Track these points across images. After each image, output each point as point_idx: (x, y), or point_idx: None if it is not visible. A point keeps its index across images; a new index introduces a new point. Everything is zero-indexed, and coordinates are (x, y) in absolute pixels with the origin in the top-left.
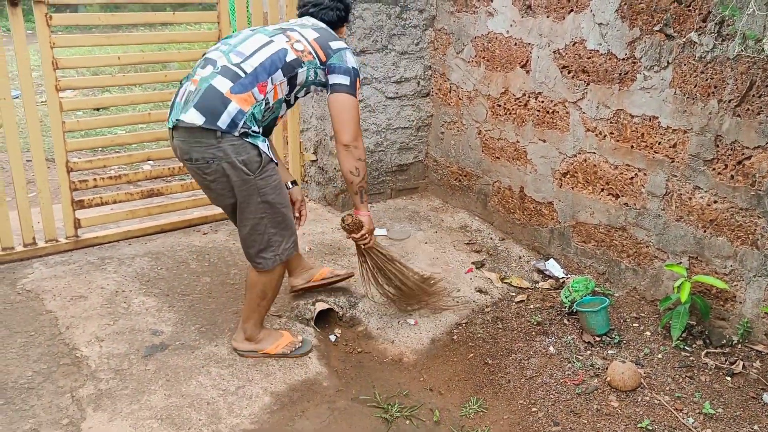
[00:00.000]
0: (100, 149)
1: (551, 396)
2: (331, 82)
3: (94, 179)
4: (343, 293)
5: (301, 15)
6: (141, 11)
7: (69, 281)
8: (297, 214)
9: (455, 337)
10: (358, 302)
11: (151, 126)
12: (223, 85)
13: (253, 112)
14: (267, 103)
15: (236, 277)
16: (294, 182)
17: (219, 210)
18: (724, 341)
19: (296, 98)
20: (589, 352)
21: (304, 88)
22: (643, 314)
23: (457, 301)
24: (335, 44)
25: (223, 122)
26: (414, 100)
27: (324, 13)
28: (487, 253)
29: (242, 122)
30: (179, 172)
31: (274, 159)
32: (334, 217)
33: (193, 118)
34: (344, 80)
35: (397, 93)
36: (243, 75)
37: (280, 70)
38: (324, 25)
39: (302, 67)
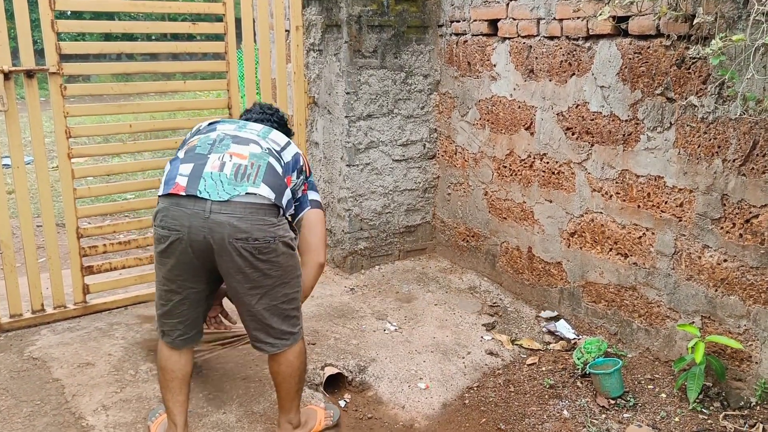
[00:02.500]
0: (109, 215)
1: None
2: (310, 197)
3: (104, 245)
4: (352, 357)
5: (259, 121)
6: (151, 80)
7: (76, 348)
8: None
9: (467, 402)
10: (367, 366)
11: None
12: (279, 167)
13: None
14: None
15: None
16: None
17: None
18: (742, 403)
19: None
20: (604, 416)
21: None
22: (657, 375)
23: (465, 365)
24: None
25: (282, 201)
26: (420, 162)
27: (282, 129)
28: (497, 315)
29: (288, 203)
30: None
31: None
32: (343, 279)
33: (266, 192)
34: (317, 197)
35: (404, 155)
36: (284, 163)
37: (296, 171)
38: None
39: (302, 175)
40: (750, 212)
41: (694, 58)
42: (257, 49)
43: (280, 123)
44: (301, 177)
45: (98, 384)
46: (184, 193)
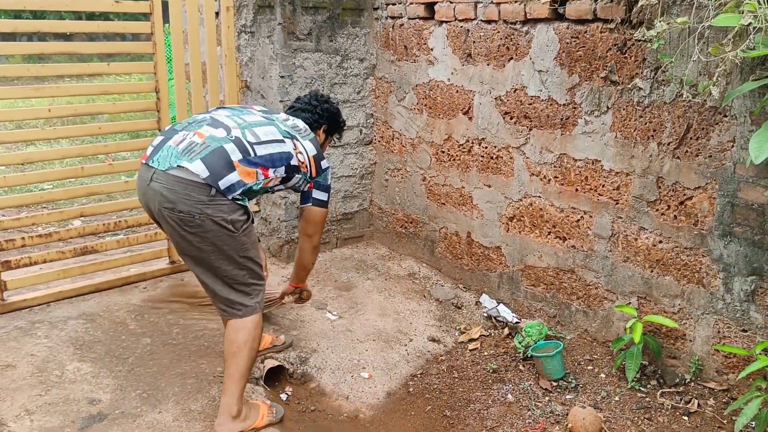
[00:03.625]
0: (27, 207)
1: None
2: (314, 196)
3: (22, 238)
4: (293, 348)
5: (290, 113)
6: (66, 62)
7: None
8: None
9: (411, 390)
10: (308, 357)
11: (83, 180)
12: (235, 154)
13: (251, 187)
14: (263, 185)
15: (179, 337)
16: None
17: (158, 266)
18: (678, 380)
19: (275, 191)
20: (547, 398)
21: (293, 188)
22: (596, 356)
23: (408, 353)
24: (324, 164)
25: (222, 184)
26: (357, 148)
27: (307, 116)
28: (437, 301)
29: (238, 192)
30: (114, 228)
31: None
32: (280, 269)
33: (198, 169)
34: (324, 197)
35: (340, 141)
36: (252, 155)
37: (284, 167)
38: (312, 134)
39: (299, 173)
40: (684, 194)
41: (639, 40)
42: (185, 31)
43: (322, 116)
44: (298, 176)
45: (20, 387)
46: (144, 162)
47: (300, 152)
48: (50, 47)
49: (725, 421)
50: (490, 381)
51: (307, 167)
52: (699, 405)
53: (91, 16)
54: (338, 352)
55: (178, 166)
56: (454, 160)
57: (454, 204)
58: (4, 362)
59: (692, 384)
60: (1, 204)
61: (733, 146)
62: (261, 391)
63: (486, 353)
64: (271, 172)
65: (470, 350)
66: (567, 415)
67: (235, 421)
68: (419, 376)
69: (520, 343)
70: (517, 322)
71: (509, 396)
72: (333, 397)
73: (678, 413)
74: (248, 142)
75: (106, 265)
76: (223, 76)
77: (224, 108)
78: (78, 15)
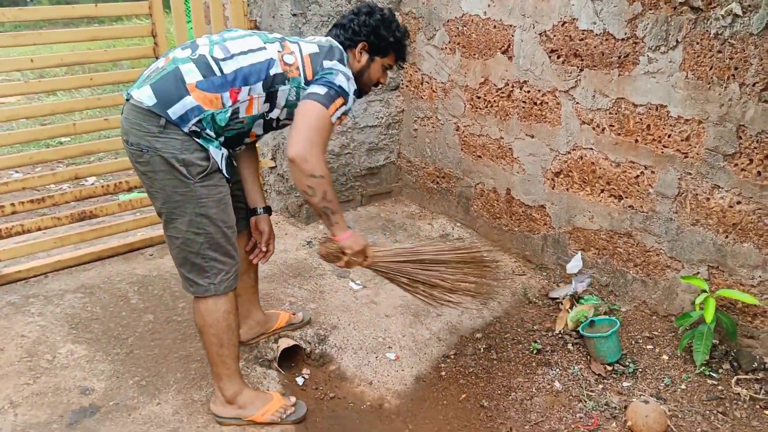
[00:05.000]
0: (15, 170)
1: None
2: (309, 90)
3: (12, 204)
4: (311, 324)
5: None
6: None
7: None
8: (263, 248)
9: (443, 374)
10: (328, 335)
11: (78, 138)
12: (191, 75)
13: (214, 115)
14: (236, 113)
15: (185, 312)
16: (267, 209)
17: None
18: (756, 364)
19: (279, 123)
20: (601, 386)
21: (287, 110)
22: (656, 333)
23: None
24: (328, 63)
25: (174, 112)
26: (382, 94)
27: (337, 32)
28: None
29: (195, 119)
30: (115, 190)
31: (224, 172)
32: (299, 231)
33: (143, 97)
34: (320, 89)
35: (402, 65)
36: (218, 74)
37: (260, 82)
38: (337, 46)
39: (285, 84)
40: None
41: None
42: None
43: (359, 31)
44: (284, 87)
45: (7, 374)
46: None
47: (290, 53)
48: None
49: None
50: (534, 364)
51: (299, 70)
52: None
53: None
54: (361, 329)
55: (129, 93)
56: (491, 106)
57: (491, 157)
58: None
59: None
60: None
61: None
62: (274, 376)
63: (529, 329)
64: (243, 93)
65: (511, 326)
66: (625, 408)
67: (229, 406)
68: (452, 357)
69: (571, 319)
70: (574, 293)
71: (556, 383)
72: (355, 381)
73: (758, 406)
74: (214, 58)
75: (108, 230)
76: (228, 16)
77: (229, 30)
78: None
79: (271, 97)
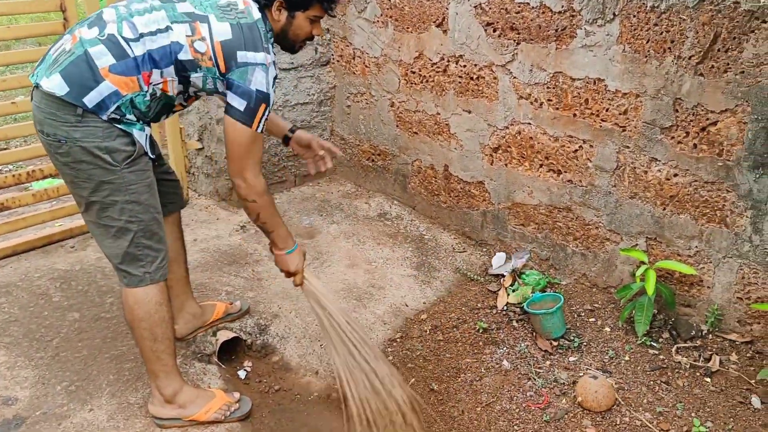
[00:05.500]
0: None
1: (516, 427)
2: (227, 100)
3: None
4: (250, 314)
5: None
6: None
7: None
8: (321, 152)
9: (391, 358)
10: (269, 325)
11: None
12: (103, 59)
13: (133, 99)
14: (154, 95)
15: (113, 308)
16: (294, 128)
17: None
18: (694, 332)
19: (205, 94)
20: (548, 362)
21: (208, 91)
22: (597, 305)
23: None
24: (242, 56)
25: (90, 100)
26: (312, 70)
27: None
28: (413, 245)
29: (114, 106)
30: (28, 179)
31: (149, 153)
32: (231, 215)
33: (55, 86)
34: (239, 104)
35: (292, 63)
36: (130, 56)
37: (172, 66)
38: (252, 17)
39: (197, 72)
40: (707, 119)
41: None
42: None
43: None
44: (197, 74)
45: None
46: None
47: (201, 38)
48: None
49: (753, 381)
50: (480, 343)
51: (212, 60)
52: (721, 362)
53: None
54: (303, 316)
55: (37, 82)
56: (426, 81)
57: (428, 133)
58: None
59: (710, 336)
60: None
61: None
62: (215, 371)
63: (473, 307)
64: (155, 76)
65: (455, 305)
66: (574, 383)
67: (168, 406)
68: (399, 340)
69: (513, 293)
70: (514, 270)
71: (505, 362)
72: (300, 372)
73: (698, 374)
74: (124, 38)
75: (22, 223)
76: None
77: None
78: None
79: (185, 81)
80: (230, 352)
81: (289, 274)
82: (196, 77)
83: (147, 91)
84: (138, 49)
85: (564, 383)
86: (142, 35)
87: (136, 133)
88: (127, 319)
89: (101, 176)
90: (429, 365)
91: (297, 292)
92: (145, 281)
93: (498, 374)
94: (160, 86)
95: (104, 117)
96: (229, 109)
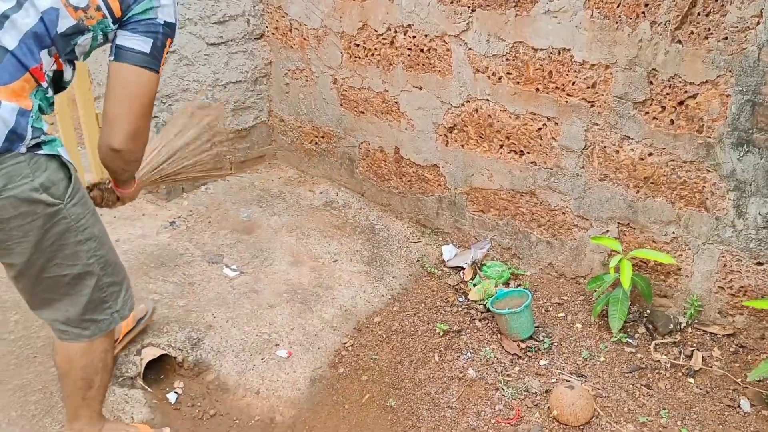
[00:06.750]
0: None
1: None
2: (118, 42)
3: None
4: (180, 326)
5: None
6: None
7: None
8: None
9: (342, 370)
10: (202, 338)
11: None
12: (21, 57)
13: (40, 105)
14: (50, 84)
15: (18, 327)
16: None
17: None
18: (672, 326)
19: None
20: (517, 368)
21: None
22: (566, 297)
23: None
24: None
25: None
26: (245, 44)
27: None
28: (363, 236)
29: (28, 128)
30: None
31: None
32: (159, 209)
33: None
34: (142, 45)
35: (222, 37)
36: (5, 55)
37: (53, 45)
38: None
39: (83, 35)
40: (685, 92)
41: None
42: None
43: None
44: (84, 36)
45: None
46: None
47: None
48: None
49: (740, 380)
50: (442, 348)
51: (100, 10)
52: (703, 359)
53: None
54: (242, 325)
55: None
56: (372, 55)
57: (375, 112)
58: None
59: (689, 330)
60: None
61: (759, 23)
62: (140, 397)
63: (431, 304)
64: (46, 63)
65: (411, 303)
66: (547, 392)
67: None
68: (351, 347)
69: (475, 287)
70: (471, 263)
71: (470, 370)
72: (239, 392)
73: (680, 374)
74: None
75: None
76: None
77: None
78: None
79: (70, 53)
80: (158, 371)
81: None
82: (83, 41)
83: (47, 86)
84: (8, 41)
85: (536, 393)
86: (4, 16)
87: (62, 151)
88: (58, 365)
89: (43, 224)
90: (385, 377)
91: (232, 298)
92: (115, 322)
93: (463, 384)
94: (54, 67)
95: (23, 150)
96: (124, 54)
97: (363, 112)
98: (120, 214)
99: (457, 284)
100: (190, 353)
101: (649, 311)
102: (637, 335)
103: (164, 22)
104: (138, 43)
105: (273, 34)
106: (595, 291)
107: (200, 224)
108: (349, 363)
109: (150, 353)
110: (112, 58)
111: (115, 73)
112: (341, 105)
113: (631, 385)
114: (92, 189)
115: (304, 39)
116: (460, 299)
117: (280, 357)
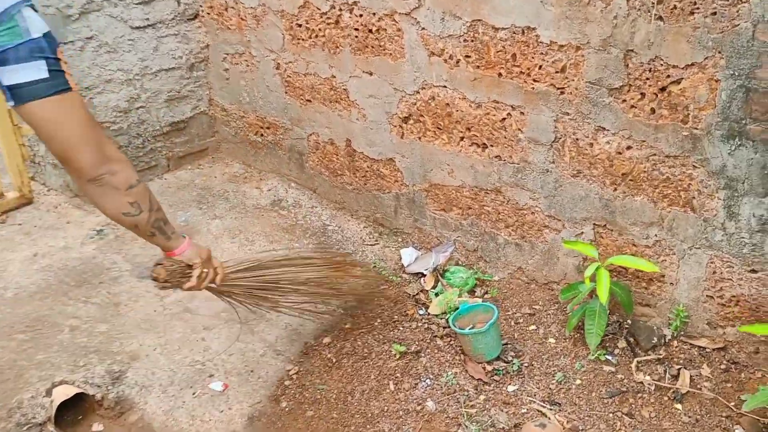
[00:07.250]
0: None
1: None
2: (7, 83)
3: None
4: (100, 357)
5: None
6: None
7: None
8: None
9: (285, 404)
10: (126, 370)
11: None
12: None
13: None
14: None
15: None
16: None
17: None
18: (655, 339)
19: None
20: (482, 396)
21: None
22: (537, 306)
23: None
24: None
25: None
26: (176, 26)
27: None
28: (314, 240)
29: None
30: None
31: None
32: (85, 215)
33: None
34: (36, 73)
35: (148, 19)
36: None
37: None
38: None
39: None
40: (668, 76)
41: None
42: None
43: None
44: None
45: None
46: None
47: None
48: None
49: (733, 404)
50: (398, 374)
51: None
52: (692, 379)
53: None
54: (172, 353)
55: None
56: (316, 36)
57: (323, 101)
58: None
59: (675, 344)
60: None
61: None
62: None
63: (387, 318)
64: None
65: (365, 319)
66: (516, 427)
67: None
68: (295, 376)
69: (437, 299)
70: (434, 268)
71: (429, 402)
72: None
73: (666, 399)
74: None
75: None
76: None
77: None
78: None
79: None
80: (75, 411)
81: (200, 280)
82: None
83: None
84: None
85: (504, 428)
86: None
87: None
88: None
89: None
90: (333, 412)
91: (163, 320)
92: None
93: (420, 419)
94: None
95: None
96: (22, 93)
97: (310, 101)
98: (42, 222)
99: (417, 293)
100: (111, 389)
101: (629, 322)
102: (617, 350)
103: (43, 35)
104: (30, 72)
105: (208, 14)
106: (570, 303)
107: (131, 232)
108: (293, 395)
109: (62, 393)
110: (12, 104)
111: (29, 118)
112: (286, 93)
113: (610, 414)
114: (154, 270)
115: (242, 19)
116: (420, 312)
117: (214, 391)
